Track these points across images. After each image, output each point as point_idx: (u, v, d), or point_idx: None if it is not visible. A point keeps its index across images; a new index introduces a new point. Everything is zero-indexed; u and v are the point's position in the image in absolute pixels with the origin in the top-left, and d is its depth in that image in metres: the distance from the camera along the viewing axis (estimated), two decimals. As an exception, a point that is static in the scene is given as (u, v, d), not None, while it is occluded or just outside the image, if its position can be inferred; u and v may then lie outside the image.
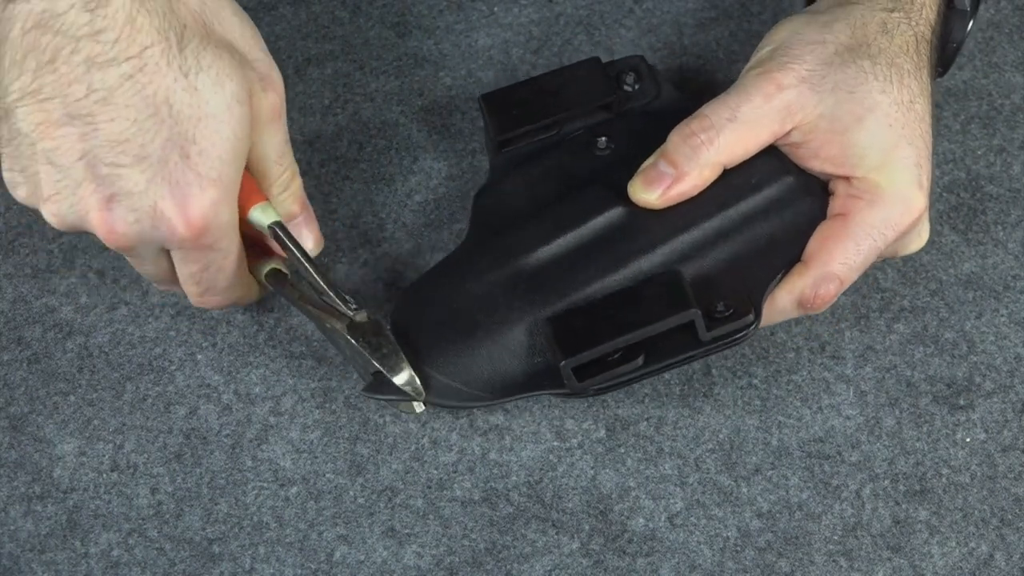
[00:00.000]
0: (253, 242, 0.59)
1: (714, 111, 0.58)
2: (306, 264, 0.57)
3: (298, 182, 0.59)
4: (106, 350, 0.65)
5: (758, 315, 0.57)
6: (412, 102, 0.72)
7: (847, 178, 0.58)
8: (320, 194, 0.69)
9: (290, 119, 0.71)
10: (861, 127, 0.57)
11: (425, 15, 0.75)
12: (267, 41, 0.74)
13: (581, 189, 0.61)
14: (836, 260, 0.58)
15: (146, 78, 0.49)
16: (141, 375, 0.65)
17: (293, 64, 0.74)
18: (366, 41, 0.74)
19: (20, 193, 0.53)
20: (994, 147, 0.71)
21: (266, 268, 0.60)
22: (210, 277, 0.56)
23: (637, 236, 0.59)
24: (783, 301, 0.59)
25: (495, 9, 0.75)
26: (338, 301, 0.58)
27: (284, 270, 0.60)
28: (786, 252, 0.59)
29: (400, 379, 0.58)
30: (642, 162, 0.60)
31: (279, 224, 0.57)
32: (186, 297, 0.58)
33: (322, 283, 0.57)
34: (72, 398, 0.64)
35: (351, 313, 0.58)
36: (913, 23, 0.60)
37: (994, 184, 0.70)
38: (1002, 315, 0.66)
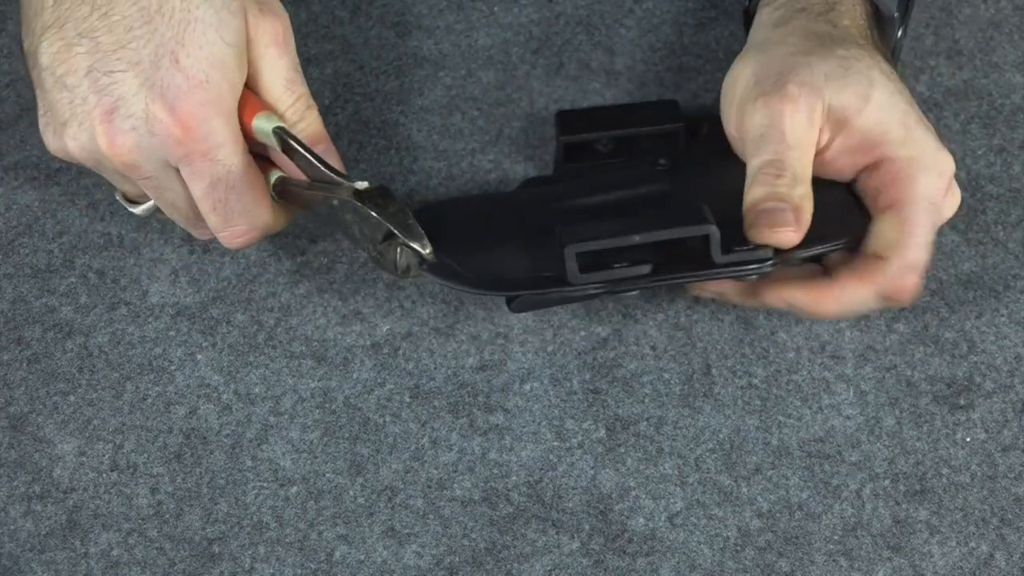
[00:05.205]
0: (256, 157, 0.59)
1: (778, 152, 0.57)
2: (313, 159, 0.57)
3: (315, 115, 0.60)
4: (106, 350, 0.65)
5: (779, 256, 0.56)
6: (412, 102, 0.72)
7: (876, 165, 0.58)
8: (320, 194, 0.69)
9: (290, 119, 0.72)
10: (871, 103, 0.57)
11: (425, 15, 0.75)
12: (267, 41, 0.74)
13: (633, 165, 0.64)
14: (911, 249, 0.57)
15: None
16: (141, 375, 0.65)
17: (293, 64, 0.74)
18: (366, 41, 0.74)
19: (48, 137, 0.56)
20: (994, 147, 0.71)
21: (273, 178, 0.59)
22: (222, 197, 0.56)
23: (676, 207, 0.59)
24: (860, 292, 0.58)
25: (495, 9, 0.75)
26: (345, 182, 0.57)
27: (289, 176, 0.59)
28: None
29: (415, 243, 0.57)
30: (700, 182, 0.62)
31: (283, 129, 0.57)
32: (216, 241, 0.59)
33: (331, 173, 0.57)
34: (72, 398, 0.64)
35: (356, 185, 0.58)
36: (850, 16, 0.61)
37: (994, 184, 0.70)
38: (1002, 315, 0.66)
